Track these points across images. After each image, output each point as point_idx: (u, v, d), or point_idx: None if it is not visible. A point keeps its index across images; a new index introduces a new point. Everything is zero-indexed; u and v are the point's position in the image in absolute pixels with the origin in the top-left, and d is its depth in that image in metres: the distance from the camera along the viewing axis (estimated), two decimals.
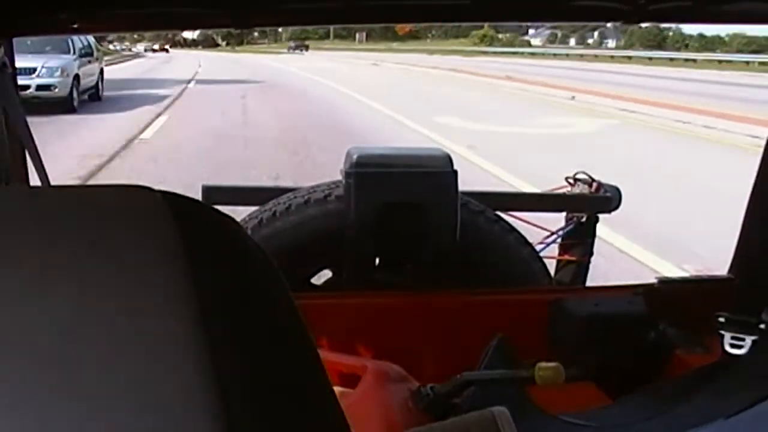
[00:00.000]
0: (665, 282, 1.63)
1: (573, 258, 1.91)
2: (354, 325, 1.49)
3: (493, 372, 1.17)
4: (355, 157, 1.58)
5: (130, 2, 1.23)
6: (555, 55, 40.79)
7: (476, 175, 6.14)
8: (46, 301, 0.29)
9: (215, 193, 1.84)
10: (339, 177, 1.61)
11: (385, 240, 1.58)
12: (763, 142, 1.48)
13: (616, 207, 1.90)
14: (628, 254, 4.36)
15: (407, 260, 1.65)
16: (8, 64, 1.26)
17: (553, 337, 1.51)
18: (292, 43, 53.34)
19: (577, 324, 1.50)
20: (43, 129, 5.65)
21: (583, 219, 1.90)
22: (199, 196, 1.83)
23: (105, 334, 0.29)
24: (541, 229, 1.94)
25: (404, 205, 1.56)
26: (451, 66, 25.73)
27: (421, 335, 1.51)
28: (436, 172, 1.58)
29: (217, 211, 0.36)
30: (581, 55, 39.30)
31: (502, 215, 1.74)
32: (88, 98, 13.58)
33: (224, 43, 54.22)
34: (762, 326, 1.35)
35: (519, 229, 1.74)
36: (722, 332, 1.38)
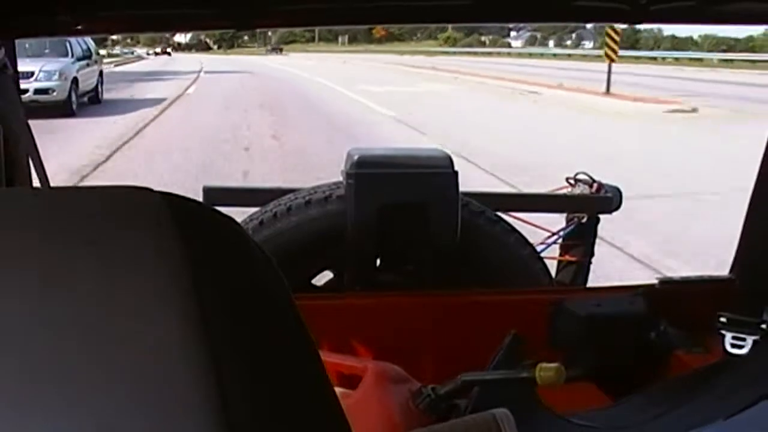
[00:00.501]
0: (666, 282, 1.63)
1: (573, 258, 1.91)
2: (355, 325, 1.49)
3: (493, 372, 1.17)
4: (355, 158, 1.58)
5: (131, 4, 1.23)
6: (520, 54, 45.58)
7: (362, 106, 11.79)
8: (46, 301, 0.29)
9: (216, 194, 1.84)
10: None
11: (385, 241, 1.58)
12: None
13: (617, 207, 1.90)
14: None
15: (408, 261, 1.65)
16: (9, 66, 1.26)
17: (553, 337, 1.51)
18: (269, 47, 61.69)
19: (578, 324, 1.50)
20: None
21: (584, 219, 1.90)
22: (202, 188, 1.82)
23: (105, 334, 0.28)
24: (541, 230, 1.94)
25: (405, 205, 1.56)
26: (404, 62, 32.27)
27: (422, 336, 1.51)
28: (436, 173, 1.58)
29: (218, 212, 0.36)
30: (541, 54, 44.01)
31: (503, 216, 1.74)
32: (87, 101, 13.58)
33: (216, 47, 59.34)
34: (763, 326, 1.35)
35: (519, 229, 1.74)
36: (723, 332, 1.38)
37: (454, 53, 44.96)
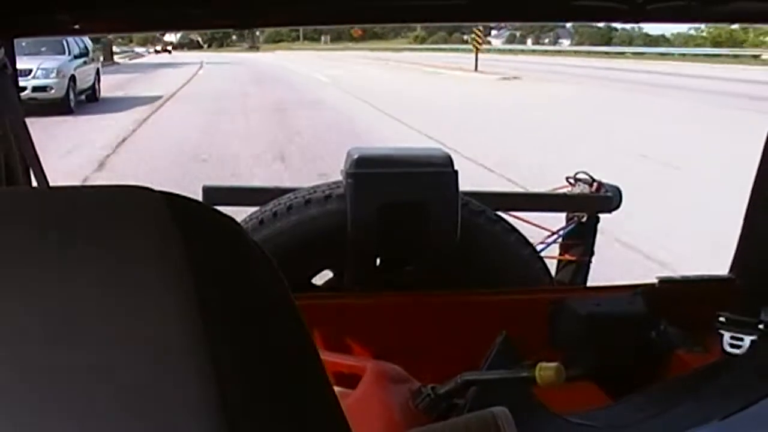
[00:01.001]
0: (665, 282, 1.63)
1: (573, 258, 1.91)
2: (354, 325, 1.49)
3: (493, 372, 1.17)
4: (355, 157, 1.58)
5: (130, 4, 1.22)
6: (489, 50, 49.37)
7: (314, 79, 18.88)
8: (46, 301, 0.28)
9: (215, 194, 1.84)
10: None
11: (385, 240, 1.58)
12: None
13: (617, 207, 1.90)
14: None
15: (408, 260, 1.65)
16: (9, 65, 1.26)
17: (553, 337, 1.51)
18: (245, 45, 66.49)
19: (578, 324, 1.50)
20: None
21: (584, 219, 1.90)
22: (202, 187, 1.83)
23: (105, 334, 0.28)
24: (541, 229, 1.94)
25: (405, 205, 1.56)
26: (368, 56, 39.25)
27: (421, 335, 1.51)
28: (436, 173, 1.58)
29: (218, 211, 0.36)
30: (511, 49, 50.32)
31: (503, 215, 1.74)
32: (85, 99, 13.57)
33: (206, 46, 63.28)
34: (761, 326, 1.35)
35: (520, 229, 1.74)
36: (722, 332, 1.38)
37: (425, 49, 49.90)
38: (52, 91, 11.79)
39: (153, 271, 0.30)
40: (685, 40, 50.36)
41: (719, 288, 1.58)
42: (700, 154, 7.73)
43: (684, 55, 37.42)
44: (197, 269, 0.31)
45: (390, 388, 1.11)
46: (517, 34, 61.51)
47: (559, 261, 1.92)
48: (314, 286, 1.73)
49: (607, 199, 1.88)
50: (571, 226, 1.92)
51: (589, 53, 41.76)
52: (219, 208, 0.37)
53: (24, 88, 10.69)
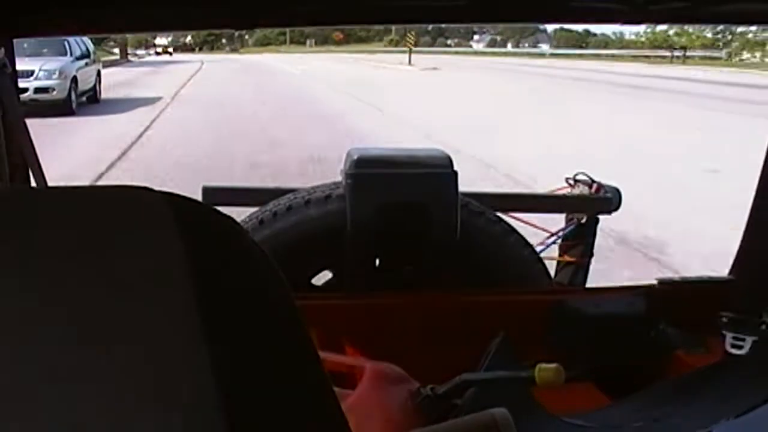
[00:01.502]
0: (665, 283, 1.63)
1: (573, 259, 1.91)
2: (354, 325, 1.49)
3: (493, 373, 1.17)
4: (355, 157, 1.58)
5: (131, 4, 1.23)
6: (457, 52, 58.72)
7: (288, 71, 25.55)
8: (46, 300, 0.28)
9: (215, 194, 1.84)
10: (335, 172, 1.61)
11: (385, 241, 1.58)
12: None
13: (616, 208, 1.90)
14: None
15: (407, 261, 1.65)
16: (8, 65, 1.26)
17: (553, 337, 1.51)
18: (228, 48, 71.35)
19: (578, 325, 1.50)
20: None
21: (583, 220, 1.90)
22: (202, 186, 1.84)
23: (105, 333, 0.28)
24: (541, 230, 1.94)
25: (404, 205, 1.56)
26: (343, 57, 43.62)
27: (421, 336, 1.51)
28: (436, 173, 1.58)
29: (218, 211, 0.36)
30: (484, 52, 58.98)
31: (503, 216, 1.74)
32: (86, 100, 13.57)
33: (197, 48, 66.49)
34: (763, 327, 1.35)
35: (519, 229, 1.74)
36: (723, 333, 1.38)
37: (396, 51, 53.53)
38: (54, 92, 11.80)
39: (153, 270, 0.30)
40: (626, 44, 57.68)
41: (720, 289, 1.58)
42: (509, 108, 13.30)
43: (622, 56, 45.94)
44: (197, 269, 0.31)
45: (389, 388, 1.11)
46: (498, 38, 67.69)
47: (559, 262, 1.92)
48: (314, 286, 1.73)
49: (607, 200, 1.88)
50: (570, 227, 1.92)
51: (553, 55, 50.81)
52: (219, 208, 0.37)
53: (26, 90, 10.71)
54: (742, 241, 1.58)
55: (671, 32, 44.29)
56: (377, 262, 1.66)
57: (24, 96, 10.21)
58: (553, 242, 1.91)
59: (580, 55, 49.43)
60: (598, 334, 1.48)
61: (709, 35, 40.26)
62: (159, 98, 14.21)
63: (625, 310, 1.52)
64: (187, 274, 0.30)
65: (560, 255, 1.93)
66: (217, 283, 0.32)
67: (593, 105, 13.88)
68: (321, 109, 12.38)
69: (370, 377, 1.12)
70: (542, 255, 1.79)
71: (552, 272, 1.83)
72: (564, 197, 1.95)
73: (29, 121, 1.32)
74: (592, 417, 1.26)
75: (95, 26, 1.42)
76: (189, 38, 59.41)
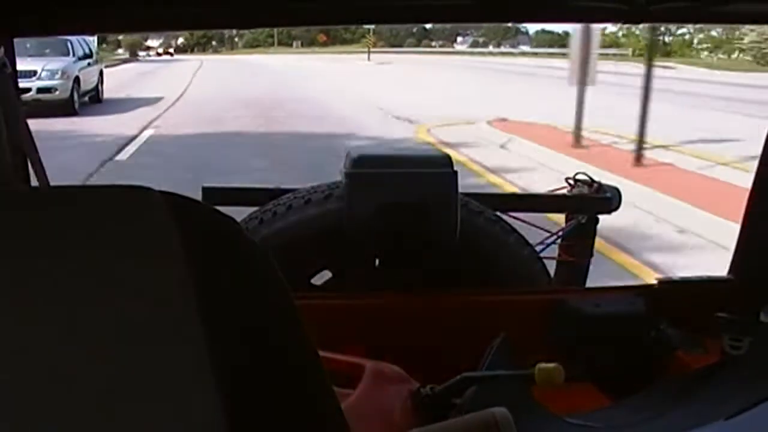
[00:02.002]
0: (665, 283, 1.63)
1: (573, 259, 1.91)
2: (354, 325, 1.49)
3: (492, 372, 1.17)
4: (354, 157, 1.58)
5: (131, 4, 1.23)
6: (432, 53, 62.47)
7: (272, 67, 31.79)
8: (47, 299, 0.29)
9: (215, 194, 1.84)
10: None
11: (385, 240, 1.58)
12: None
13: (616, 208, 1.90)
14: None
15: (407, 261, 1.65)
16: (8, 65, 1.26)
17: (553, 337, 1.51)
18: (218, 49, 75.73)
19: (577, 324, 1.50)
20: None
21: (583, 220, 1.90)
22: (202, 186, 1.85)
23: (104, 333, 0.29)
24: (541, 230, 1.94)
25: (404, 205, 1.56)
26: (324, 57, 49.06)
27: (421, 336, 1.51)
28: (436, 173, 1.59)
29: (218, 211, 0.36)
30: (462, 51, 62.99)
31: (502, 216, 1.74)
32: (88, 100, 13.58)
33: (189, 50, 69.92)
34: (761, 327, 1.35)
35: (519, 229, 1.74)
36: (722, 333, 1.38)
37: (374, 52, 57.44)
38: (57, 92, 11.82)
39: (153, 270, 0.30)
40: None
41: (719, 289, 1.58)
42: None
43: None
44: (197, 269, 0.31)
45: (389, 388, 1.11)
46: (480, 40, 72.85)
47: (559, 262, 1.92)
48: (314, 286, 1.73)
49: (607, 200, 1.88)
50: (570, 227, 1.92)
51: (523, 53, 56.05)
52: (219, 208, 0.37)
53: (29, 89, 10.73)
54: (740, 241, 1.58)
55: (620, 33, 50.23)
56: (377, 262, 1.66)
57: (27, 96, 10.23)
58: (553, 242, 1.91)
59: (551, 54, 52.66)
60: (597, 334, 1.48)
61: (751, 37, 40.16)
62: (184, 76, 23.67)
63: (624, 310, 1.52)
64: (187, 274, 0.31)
65: (560, 255, 1.93)
66: (217, 282, 0.33)
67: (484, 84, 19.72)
68: (287, 81, 21.89)
69: (370, 377, 1.12)
70: (542, 255, 1.79)
71: (552, 272, 1.83)
72: (564, 197, 1.95)
73: (31, 121, 1.33)
74: (592, 417, 1.26)
75: (95, 26, 1.42)
76: (181, 40, 63.93)
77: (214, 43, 70.63)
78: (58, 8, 1.19)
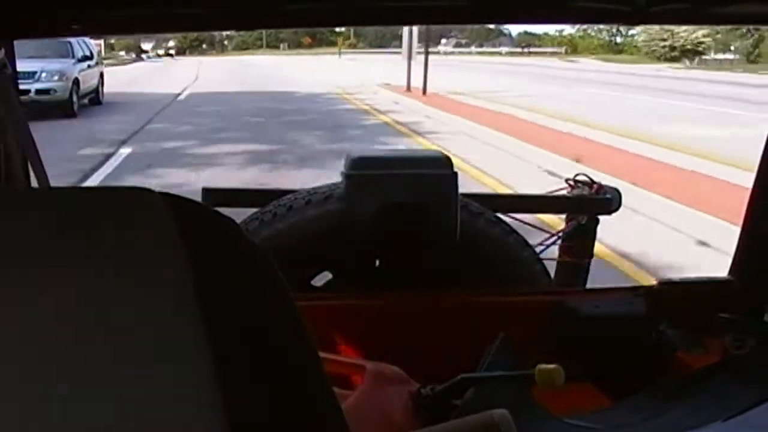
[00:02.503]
0: (665, 283, 1.63)
1: (573, 259, 1.91)
2: (354, 326, 1.49)
3: (492, 373, 1.17)
4: (354, 158, 1.58)
5: (131, 4, 1.23)
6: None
7: (259, 66, 37.03)
8: (47, 300, 0.29)
9: (215, 195, 1.84)
10: (337, 176, 1.62)
11: (385, 242, 1.58)
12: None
13: (616, 209, 1.90)
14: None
15: (407, 262, 1.65)
16: (8, 66, 1.26)
17: (553, 338, 1.51)
18: (197, 53, 79.52)
19: (578, 325, 1.50)
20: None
21: (583, 221, 1.90)
22: (202, 186, 1.88)
23: (105, 333, 0.29)
24: (541, 231, 1.94)
25: (404, 206, 1.56)
26: (308, 57, 54.20)
27: (421, 337, 1.51)
28: (435, 174, 1.59)
29: (218, 212, 0.36)
30: (442, 51, 67.94)
31: (502, 217, 1.74)
32: (88, 102, 13.57)
33: (183, 52, 73.74)
34: (762, 328, 1.35)
35: (519, 230, 1.74)
36: (723, 333, 1.38)
37: (354, 52, 64.43)
38: (56, 94, 11.81)
39: (153, 271, 0.30)
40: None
41: (720, 289, 1.57)
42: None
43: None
44: (197, 270, 0.31)
45: (389, 389, 1.11)
46: (463, 41, 78.96)
47: (559, 263, 1.92)
48: (314, 287, 1.73)
49: (607, 200, 1.88)
50: (571, 228, 1.92)
51: (498, 53, 64.03)
52: (219, 209, 0.37)
53: (28, 91, 10.72)
54: (740, 242, 1.58)
55: (577, 35, 60.10)
56: (377, 262, 1.66)
57: (26, 97, 10.23)
58: (553, 243, 1.91)
59: (530, 53, 60.28)
60: (597, 334, 1.48)
61: (643, 38, 48.23)
62: (191, 69, 29.95)
63: (625, 311, 1.52)
64: (186, 275, 0.31)
65: (560, 255, 1.93)
66: (218, 284, 0.33)
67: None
68: (269, 71, 28.71)
69: (370, 377, 1.12)
70: (542, 255, 1.79)
71: (552, 273, 1.83)
72: (564, 198, 1.95)
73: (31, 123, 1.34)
74: (592, 417, 1.26)
75: (95, 27, 1.42)
76: (171, 42, 67.27)
77: (204, 46, 74.14)
78: (59, 10, 1.19)
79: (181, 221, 0.32)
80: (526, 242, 1.71)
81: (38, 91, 11.39)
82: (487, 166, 7.49)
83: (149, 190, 0.34)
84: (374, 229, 1.55)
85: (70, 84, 12.15)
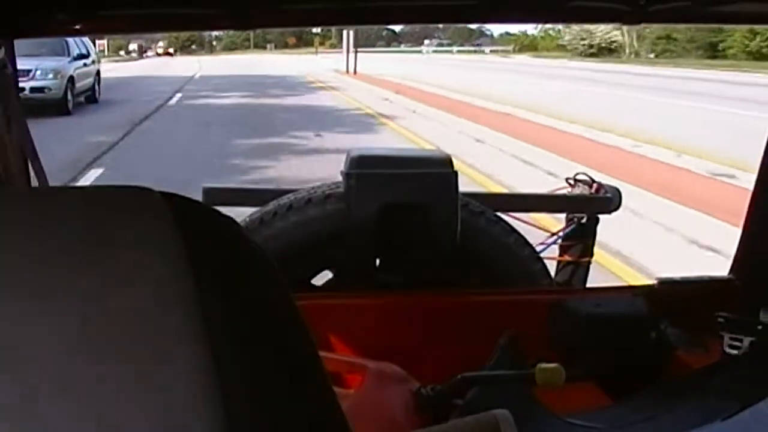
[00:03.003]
0: (665, 283, 1.63)
1: (573, 259, 1.91)
2: (354, 325, 1.49)
3: (493, 372, 1.17)
4: (355, 157, 1.58)
5: (131, 4, 1.22)
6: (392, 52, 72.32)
7: (247, 61, 41.74)
8: (47, 300, 0.28)
9: (215, 194, 1.84)
10: (337, 175, 1.62)
11: (385, 241, 1.58)
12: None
13: (616, 208, 1.90)
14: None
15: (408, 261, 1.65)
16: (9, 66, 1.26)
17: (553, 337, 1.51)
18: (185, 53, 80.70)
19: (578, 324, 1.50)
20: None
21: (584, 220, 1.90)
22: (204, 185, 1.91)
23: (105, 333, 0.28)
24: (541, 230, 1.94)
25: (405, 206, 1.56)
26: (293, 56, 58.54)
27: (421, 336, 1.51)
28: (436, 173, 1.58)
29: (218, 211, 0.36)
30: (422, 51, 72.65)
31: (503, 216, 1.74)
32: (84, 100, 13.54)
33: (174, 52, 75.32)
34: (761, 327, 1.35)
35: (519, 229, 1.74)
36: (723, 333, 1.38)
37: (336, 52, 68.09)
38: (50, 92, 11.78)
39: (153, 270, 0.30)
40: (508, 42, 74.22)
41: (719, 289, 1.57)
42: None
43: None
44: (197, 269, 0.31)
45: (390, 388, 1.11)
46: (445, 42, 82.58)
47: (559, 262, 1.92)
48: (314, 286, 1.73)
49: (607, 200, 1.88)
50: (571, 227, 1.92)
51: (476, 52, 68.11)
52: (219, 208, 0.37)
53: (22, 89, 10.69)
54: (740, 242, 1.58)
55: (539, 36, 62.85)
56: (377, 262, 1.66)
57: (20, 95, 10.16)
58: (554, 242, 1.91)
59: (496, 51, 64.09)
60: (598, 333, 1.48)
61: (568, 37, 52.61)
62: (191, 65, 32.93)
63: (625, 310, 1.52)
64: (186, 275, 0.30)
65: (560, 255, 1.93)
66: (218, 283, 0.32)
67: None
68: (257, 66, 31.82)
69: (371, 377, 1.12)
70: (542, 255, 1.79)
71: (552, 272, 1.83)
72: (564, 197, 1.95)
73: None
74: (593, 417, 1.26)
75: (95, 27, 1.42)
76: (161, 43, 69.11)
77: (193, 46, 76.36)
78: (58, 10, 1.18)
79: (180, 221, 0.32)
80: (526, 241, 1.71)
81: (33, 89, 11.33)
82: (358, 97, 16.11)
83: (149, 190, 0.34)
84: (374, 229, 1.55)
85: (65, 82, 12.11)
